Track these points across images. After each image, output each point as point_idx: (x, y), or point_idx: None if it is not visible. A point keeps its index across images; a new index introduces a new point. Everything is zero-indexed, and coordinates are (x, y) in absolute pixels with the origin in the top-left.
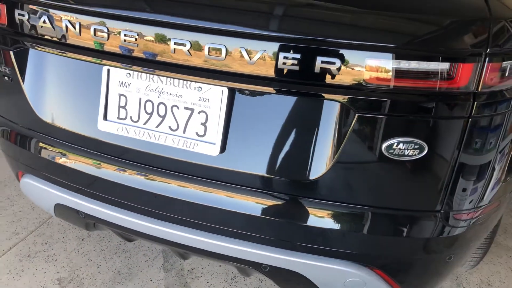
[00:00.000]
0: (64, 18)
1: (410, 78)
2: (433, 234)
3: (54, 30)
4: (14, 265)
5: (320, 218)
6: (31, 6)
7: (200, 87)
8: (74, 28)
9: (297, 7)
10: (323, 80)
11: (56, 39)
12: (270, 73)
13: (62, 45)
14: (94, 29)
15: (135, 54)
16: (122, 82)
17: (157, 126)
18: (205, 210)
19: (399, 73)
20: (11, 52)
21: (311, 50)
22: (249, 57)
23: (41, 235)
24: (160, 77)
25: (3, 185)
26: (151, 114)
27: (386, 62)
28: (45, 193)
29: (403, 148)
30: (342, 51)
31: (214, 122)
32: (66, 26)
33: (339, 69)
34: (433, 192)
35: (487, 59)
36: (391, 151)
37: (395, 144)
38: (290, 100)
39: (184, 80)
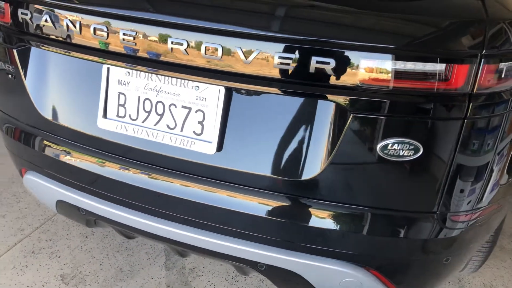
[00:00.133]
0: (64, 17)
1: (405, 79)
2: (429, 235)
3: (56, 29)
4: (18, 261)
5: (315, 218)
6: (33, 5)
7: (197, 86)
8: (75, 27)
9: (292, 7)
10: (317, 80)
11: (57, 38)
12: (266, 73)
13: (63, 43)
14: (94, 28)
15: (134, 53)
16: (121, 80)
17: (155, 124)
18: (201, 208)
19: (394, 74)
20: (14, 51)
21: (306, 50)
22: (245, 57)
23: (46, 232)
24: (159, 76)
25: (10, 182)
26: (149, 112)
27: (381, 62)
28: (47, 190)
29: (398, 148)
30: (336, 51)
31: (211, 121)
32: (67, 25)
33: (333, 69)
34: (429, 193)
35: (482, 60)
36: (386, 151)
37: (390, 145)
38: (286, 100)
39: (181, 79)
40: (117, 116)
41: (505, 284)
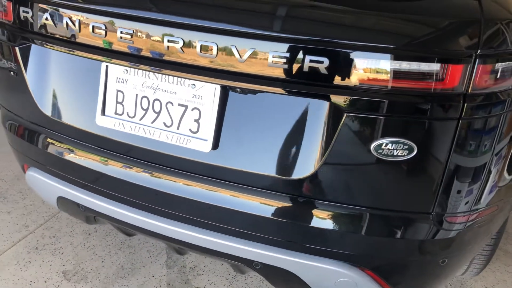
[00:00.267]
0: (64, 15)
1: (399, 78)
2: (424, 236)
3: (55, 27)
4: (22, 257)
5: (309, 217)
6: (34, 3)
7: (193, 84)
8: (74, 25)
9: (286, 6)
10: (310, 79)
11: (57, 36)
12: (261, 71)
13: (63, 41)
14: (92, 26)
15: (131, 51)
16: (119, 78)
17: (152, 122)
18: (196, 206)
19: (388, 74)
20: (17, 48)
21: (299, 49)
22: (240, 55)
23: (50, 229)
24: (156, 74)
25: (16, 179)
26: (146, 110)
27: (375, 62)
28: (48, 186)
29: (392, 148)
30: (331, 50)
31: (206, 119)
32: (66, 23)
33: (327, 68)
34: (424, 193)
35: (477, 60)
36: (380, 151)
37: (384, 144)
38: (281, 99)
39: (178, 77)
40: (115, 113)
41: None
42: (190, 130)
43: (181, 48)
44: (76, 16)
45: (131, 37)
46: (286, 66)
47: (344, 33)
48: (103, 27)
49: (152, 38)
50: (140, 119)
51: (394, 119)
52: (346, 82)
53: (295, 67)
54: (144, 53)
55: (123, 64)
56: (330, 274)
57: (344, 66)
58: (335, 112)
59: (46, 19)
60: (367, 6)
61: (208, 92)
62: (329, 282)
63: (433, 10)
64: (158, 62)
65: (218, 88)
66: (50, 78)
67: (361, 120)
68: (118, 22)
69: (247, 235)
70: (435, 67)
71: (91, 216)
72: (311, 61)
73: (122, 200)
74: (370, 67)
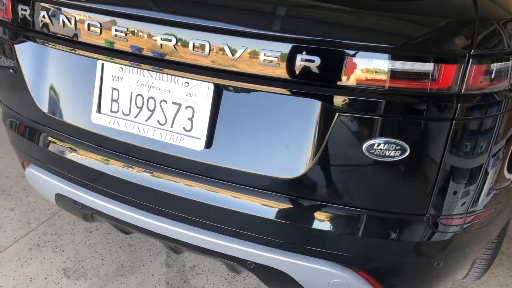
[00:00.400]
0: (60, 13)
1: (391, 78)
2: (418, 238)
3: (53, 24)
4: (23, 253)
5: (301, 217)
6: (32, 1)
7: (187, 83)
8: (70, 22)
9: (277, 5)
10: (302, 78)
11: (54, 34)
12: (253, 70)
13: (60, 39)
14: (88, 24)
15: (126, 48)
16: (115, 76)
17: (146, 120)
18: (190, 204)
19: (380, 74)
20: (16, 46)
21: (290, 48)
22: (232, 54)
23: (52, 226)
24: (150, 72)
25: (20, 176)
26: (141, 108)
27: (367, 62)
28: (46, 183)
29: (384, 149)
30: (322, 49)
31: (200, 118)
32: (63, 21)
33: (318, 67)
34: (417, 195)
35: (470, 60)
36: (372, 151)
37: (376, 145)
38: (274, 98)
39: (172, 75)
40: (111, 111)
41: None
42: (183, 128)
43: (174, 46)
44: (72, 14)
45: (125, 35)
46: (277, 65)
47: (334, 32)
48: (98, 25)
49: (145, 36)
50: (135, 117)
51: (386, 119)
52: (337, 82)
53: (287, 66)
54: (138, 51)
55: (118, 62)
56: (323, 275)
57: (335, 65)
58: (326, 112)
59: (43, 17)
60: (358, 5)
61: (201, 91)
62: (322, 283)
63: (427, 10)
64: (152, 60)
65: (211, 86)
66: (47, 76)
67: (353, 120)
68: (112, 20)
69: (240, 234)
70: (427, 67)
71: (88, 213)
72: (302, 60)
73: (117, 198)
74: (362, 67)
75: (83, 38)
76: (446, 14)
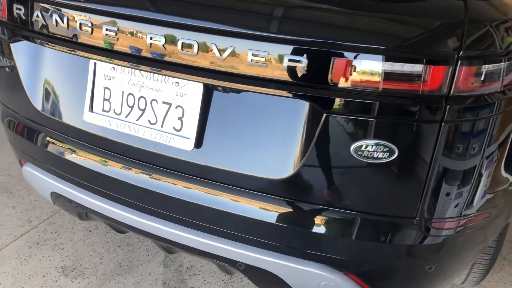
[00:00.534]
0: (53, 12)
1: (378, 79)
2: (408, 241)
3: (46, 24)
4: (23, 251)
5: (289, 218)
6: (26, 1)
7: (177, 82)
8: (62, 22)
9: (264, 5)
10: (289, 78)
11: (48, 33)
12: (241, 70)
13: (53, 38)
14: (80, 23)
15: (117, 48)
16: (107, 75)
17: (137, 119)
18: (180, 204)
19: (368, 75)
20: (11, 45)
21: (277, 48)
22: (220, 53)
23: (52, 224)
24: (141, 71)
25: (23, 175)
26: (132, 107)
27: (355, 63)
28: (42, 181)
29: (372, 150)
30: (309, 50)
31: (189, 117)
32: (56, 20)
33: (305, 68)
34: (407, 197)
35: (459, 62)
36: (360, 153)
37: (364, 146)
38: (262, 98)
39: (162, 74)
40: (103, 110)
41: None
42: (173, 128)
43: (163, 46)
44: (64, 13)
45: (116, 34)
46: (265, 65)
47: (319, 33)
48: (89, 24)
49: (135, 35)
50: (126, 116)
51: (373, 120)
52: (324, 82)
53: (274, 66)
54: (129, 50)
55: (110, 62)
56: (312, 277)
57: (322, 66)
58: (314, 113)
59: (37, 16)
60: (345, 5)
61: (191, 90)
62: (312, 285)
63: (416, 11)
64: (142, 60)
65: (201, 86)
66: (42, 75)
67: (341, 121)
68: (103, 19)
69: (230, 235)
70: (415, 68)
71: (82, 212)
72: (289, 60)
73: (109, 197)
74: (349, 68)
75: (76, 37)
76: (435, 15)
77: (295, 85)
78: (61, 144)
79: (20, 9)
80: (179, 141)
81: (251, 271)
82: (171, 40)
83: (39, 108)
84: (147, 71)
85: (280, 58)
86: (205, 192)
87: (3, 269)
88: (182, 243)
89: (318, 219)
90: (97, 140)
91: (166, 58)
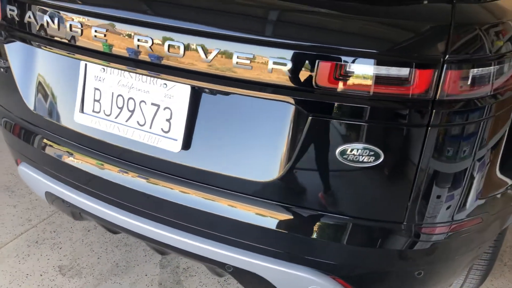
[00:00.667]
0: (44, 13)
1: (363, 83)
2: (395, 246)
3: (37, 25)
4: (22, 250)
5: (275, 221)
6: (18, 2)
7: (165, 84)
8: (53, 23)
9: (250, 6)
10: (274, 81)
11: (39, 34)
12: (227, 72)
13: (45, 39)
14: (70, 25)
15: (105, 49)
16: (97, 76)
17: (126, 121)
18: (168, 205)
19: (352, 78)
20: (5, 46)
21: (262, 51)
22: (206, 55)
23: (51, 224)
24: (130, 72)
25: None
26: (121, 108)
27: (339, 66)
28: (36, 181)
29: (358, 154)
30: (294, 52)
31: (177, 119)
32: (47, 21)
33: (290, 71)
34: (394, 202)
35: (445, 66)
36: (345, 156)
37: (349, 150)
38: (248, 101)
39: (150, 76)
40: (93, 111)
41: None
42: (161, 129)
43: (150, 47)
44: (55, 14)
45: (105, 36)
46: (250, 68)
47: (304, 36)
48: (79, 26)
49: (123, 37)
50: (116, 117)
51: (359, 124)
52: (309, 85)
53: (260, 68)
54: (118, 51)
55: (100, 63)
56: (300, 281)
57: (306, 68)
58: (299, 116)
59: (29, 17)
60: (330, 8)
61: (178, 92)
62: None
63: (402, 14)
64: (130, 61)
65: (188, 88)
66: (35, 76)
67: (326, 125)
68: (91, 21)
69: (218, 237)
70: (401, 72)
71: (76, 212)
72: (274, 63)
73: (100, 197)
74: (334, 71)
75: (66, 38)
76: (421, 19)
77: (280, 88)
78: (53, 144)
79: (13, 10)
80: (167, 142)
81: (239, 274)
82: (157, 42)
83: (32, 108)
84: (136, 73)
85: (265, 61)
86: (192, 194)
87: (2, 267)
88: (169, 244)
89: (303, 223)
90: (87, 141)
91: (154, 60)
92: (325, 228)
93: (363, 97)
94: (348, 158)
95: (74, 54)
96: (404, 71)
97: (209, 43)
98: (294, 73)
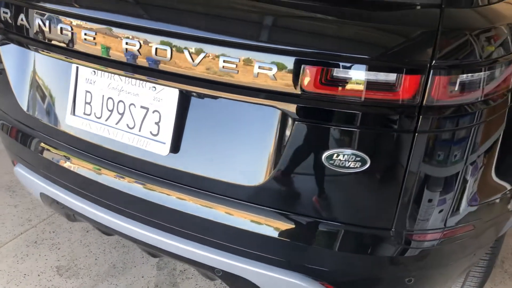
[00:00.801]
0: (36, 16)
1: (348, 87)
2: (384, 252)
3: (29, 27)
4: (20, 250)
5: (262, 226)
6: (11, 4)
7: (154, 87)
8: (45, 26)
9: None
10: (260, 85)
11: (31, 37)
12: (213, 76)
13: (37, 42)
14: (61, 28)
15: (95, 52)
16: (88, 79)
17: (116, 123)
18: (158, 208)
19: (338, 82)
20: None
21: (247, 55)
22: (192, 59)
23: (51, 224)
24: (120, 75)
25: None
26: (111, 111)
27: (325, 71)
28: (31, 182)
29: (344, 159)
30: (279, 57)
31: (165, 122)
32: (38, 24)
33: (276, 75)
34: (381, 209)
35: (431, 71)
36: (331, 161)
37: (336, 155)
38: (235, 105)
39: (139, 79)
40: (84, 113)
41: None
42: (150, 132)
43: (138, 50)
44: (46, 17)
45: (94, 39)
46: (236, 72)
47: (289, 40)
48: (69, 29)
49: (112, 40)
50: (106, 120)
51: (345, 129)
52: (294, 90)
53: (244, 72)
54: (107, 54)
55: (90, 66)
56: (289, 286)
57: (292, 73)
58: (285, 120)
59: (22, 19)
60: (315, 12)
61: (167, 95)
62: None
63: (391, 20)
64: (119, 64)
65: (176, 91)
66: (29, 78)
67: (312, 129)
68: (81, 24)
69: (206, 241)
70: (387, 77)
71: (70, 213)
72: (260, 67)
73: (91, 199)
74: (320, 76)
75: (57, 41)
76: (409, 24)
77: (267, 92)
78: (46, 146)
79: (6, 13)
80: (155, 145)
81: (228, 278)
82: (145, 45)
83: (26, 110)
84: (125, 76)
85: (251, 65)
86: (180, 197)
87: (0, 267)
88: (158, 246)
89: (290, 228)
90: (78, 143)
91: (141, 63)
92: (312, 234)
93: (349, 102)
94: (335, 164)
95: (65, 57)
96: (390, 77)
97: (195, 46)
98: (279, 77)
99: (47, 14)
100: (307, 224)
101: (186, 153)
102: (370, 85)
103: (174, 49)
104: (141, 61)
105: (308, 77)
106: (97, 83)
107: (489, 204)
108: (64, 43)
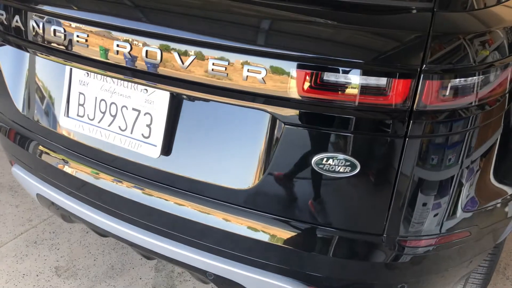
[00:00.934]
0: (30, 17)
1: (337, 91)
2: (376, 258)
3: (23, 29)
4: (20, 250)
5: (252, 230)
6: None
7: (146, 89)
8: (39, 27)
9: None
10: (249, 88)
11: (25, 38)
12: (203, 79)
13: (31, 44)
14: (54, 29)
15: (87, 54)
16: (81, 81)
17: (109, 125)
18: (149, 211)
19: (327, 87)
20: None
21: (237, 58)
22: (182, 62)
23: (51, 224)
24: (112, 77)
25: None
26: (104, 113)
27: (314, 74)
28: (27, 183)
29: (334, 164)
30: (267, 60)
31: (157, 125)
32: (32, 26)
33: (264, 79)
34: (372, 214)
35: (422, 76)
36: (321, 166)
37: (325, 159)
38: (225, 108)
39: (131, 82)
40: (77, 115)
41: None
42: (142, 135)
43: (129, 52)
44: (39, 19)
45: (86, 41)
46: (225, 75)
47: (277, 43)
48: (62, 31)
49: (103, 42)
50: (99, 122)
51: (335, 133)
52: (283, 93)
53: (233, 75)
54: (99, 57)
55: (84, 68)
56: None
57: (281, 77)
58: (274, 124)
59: (16, 21)
60: (303, 15)
61: (158, 98)
62: None
63: (380, 23)
64: (111, 66)
65: (167, 94)
66: (24, 79)
67: (301, 133)
68: (73, 25)
69: (198, 244)
70: (377, 81)
71: (65, 214)
72: (249, 70)
73: (85, 201)
74: (309, 80)
75: (51, 43)
76: (400, 28)
77: (256, 96)
78: (41, 147)
79: (1, 14)
80: (147, 148)
81: (220, 282)
82: (135, 47)
83: (22, 111)
84: (117, 78)
85: (240, 68)
86: (171, 200)
87: (0, 266)
88: (150, 249)
89: (280, 232)
90: (72, 145)
91: (133, 65)
92: (302, 238)
93: (339, 106)
94: (324, 168)
95: (59, 59)
96: (381, 81)
97: (184, 49)
98: (269, 81)
99: (41, 16)
100: (296, 229)
101: (177, 155)
102: (361, 89)
103: (164, 51)
104: (132, 63)
105: (297, 81)
106: (90, 85)
107: (486, 210)
108: (57, 44)
